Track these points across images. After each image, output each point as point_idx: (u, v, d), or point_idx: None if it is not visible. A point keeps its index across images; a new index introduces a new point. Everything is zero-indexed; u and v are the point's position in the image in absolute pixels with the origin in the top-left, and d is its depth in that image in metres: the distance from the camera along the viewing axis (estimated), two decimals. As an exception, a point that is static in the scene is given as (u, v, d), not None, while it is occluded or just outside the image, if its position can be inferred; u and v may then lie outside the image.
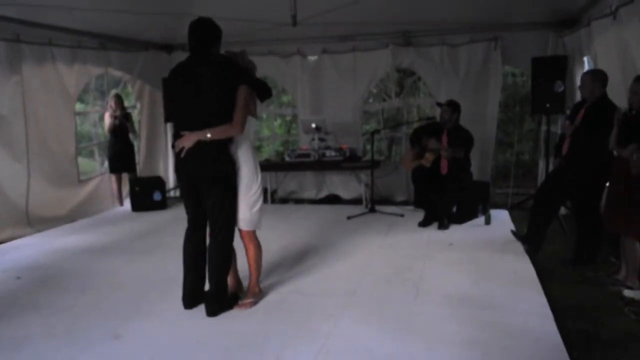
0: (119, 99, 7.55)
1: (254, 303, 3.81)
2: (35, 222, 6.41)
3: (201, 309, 3.71)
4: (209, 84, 3.49)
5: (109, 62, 7.62)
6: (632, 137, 3.87)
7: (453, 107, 6.22)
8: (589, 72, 4.83)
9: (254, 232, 3.77)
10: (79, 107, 7.87)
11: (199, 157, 3.52)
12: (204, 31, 3.60)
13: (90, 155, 7.71)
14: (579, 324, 3.42)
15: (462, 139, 6.09)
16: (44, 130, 6.62)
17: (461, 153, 5.97)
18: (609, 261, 4.56)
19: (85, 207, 7.32)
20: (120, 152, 7.61)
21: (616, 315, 3.59)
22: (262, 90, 3.70)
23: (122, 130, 7.56)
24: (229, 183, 3.60)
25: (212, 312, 3.65)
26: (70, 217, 6.93)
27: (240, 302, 3.80)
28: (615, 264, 4.39)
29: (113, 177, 7.80)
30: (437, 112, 6.47)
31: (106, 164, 7.87)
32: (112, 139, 7.62)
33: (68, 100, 7.06)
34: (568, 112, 5.40)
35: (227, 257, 3.75)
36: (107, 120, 7.54)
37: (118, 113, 7.46)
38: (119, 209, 7.75)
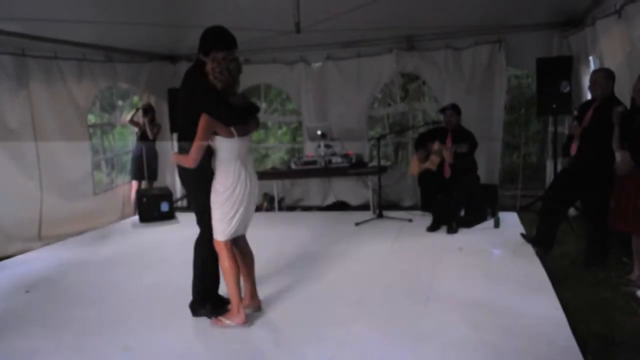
0: (149, 109, 7.78)
1: (226, 325, 3.60)
2: (48, 236, 6.43)
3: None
4: (181, 103, 3.67)
5: (115, 74, 7.67)
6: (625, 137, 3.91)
7: (457, 110, 6.24)
8: (601, 70, 4.77)
9: (223, 243, 3.59)
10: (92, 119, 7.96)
11: (178, 168, 3.75)
12: (200, 41, 3.64)
13: (97, 167, 7.75)
14: (593, 326, 3.38)
15: (465, 138, 6.07)
16: (56, 144, 6.64)
17: (464, 148, 5.92)
18: (621, 262, 4.51)
19: (99, 220, 7.34)
20: (143, 159, 7.70)
21: (630, 316, 3.55)
22: (220, 117, 3.44)
23: (147, 137, 7.70)
24: (201, 192, 3.61)
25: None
26: (84, 230, 6.95)
27: (218, 317, 3.67)
28: (628, 264, 4.34)
29: (134, 184, 7.88)
30: (442, 117, 6.47)
31: (113, 175, 7.91)
32: (138, 145, 7.77)
33: (79, 113, 7.11)
34: (575, 112, 5.36)
35: (202, 260, 3.75)
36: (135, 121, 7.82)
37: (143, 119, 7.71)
38: (126, 221, 7.75)
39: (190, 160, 3.47)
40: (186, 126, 3.51)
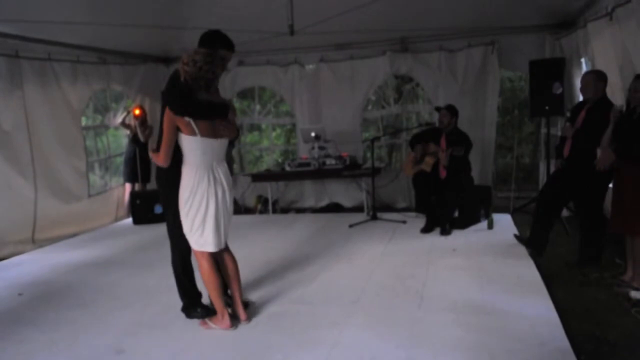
0: (140, 109, 7.75)
1: (209, 327, 3.62)
2: (42, 239, 6.41)
3: (204, 321, 3.71)
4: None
5: (109, 76, 7.65)
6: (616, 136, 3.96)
7: (451, 111, 6.22)
8: (592, 72, 4.78)
9: (201, 252, 3.52)
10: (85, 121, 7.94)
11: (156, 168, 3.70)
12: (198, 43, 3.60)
13: (91, 169, 7.73)
14: (586, 327, 3.39)
15: (460, 140, 6.08)
16: (50, 146, 6.63)
17: (460, 151, 5.91)
18: (614, 263, 4.53)
19: (93, 222, 7.32)
20: (136, 161, 7.68)
21: (623, 317, 3.57)
22: (172, 104, 3.31)
23: (139, 139, 7.70)
24: (167, 199, 3.58)
25: None
26: (78, 233, 6.93)
27: (205, 320, 3.67)
28: (621, 265, 4.36)
29: (127, 187, 7.86)
30: (435, 117, 6.49)
31: (107, 177, 7.90)
32: (130, 147, 7.75)
33: (73, 115, 7.09)
34: (568, 114, 5.38)
35: (175, 266, 3.75)
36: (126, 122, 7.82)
37: (133, 121, 7.69)
38: (119, 223, 7.73)
39: (160, 157, 3.41)
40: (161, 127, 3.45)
